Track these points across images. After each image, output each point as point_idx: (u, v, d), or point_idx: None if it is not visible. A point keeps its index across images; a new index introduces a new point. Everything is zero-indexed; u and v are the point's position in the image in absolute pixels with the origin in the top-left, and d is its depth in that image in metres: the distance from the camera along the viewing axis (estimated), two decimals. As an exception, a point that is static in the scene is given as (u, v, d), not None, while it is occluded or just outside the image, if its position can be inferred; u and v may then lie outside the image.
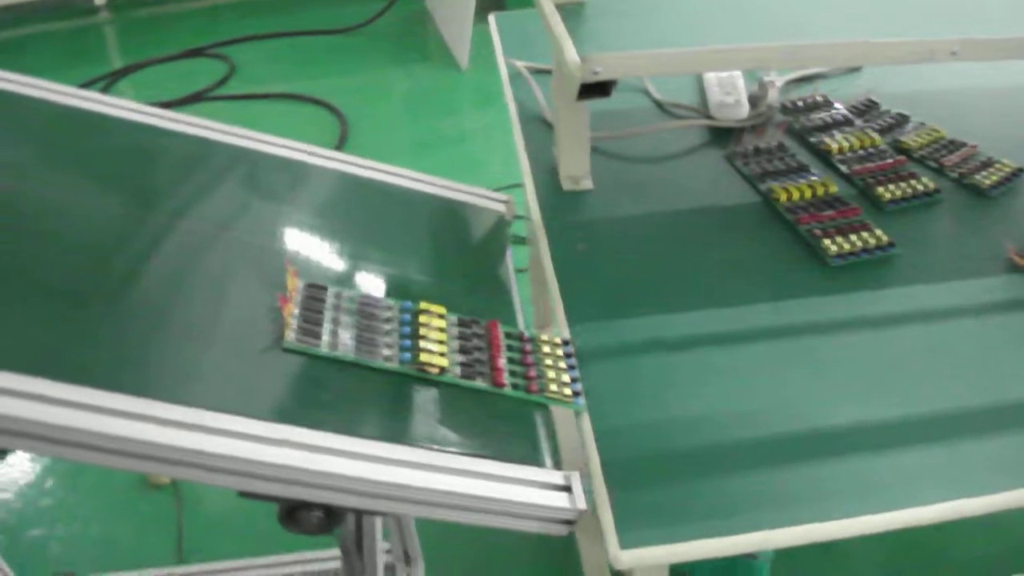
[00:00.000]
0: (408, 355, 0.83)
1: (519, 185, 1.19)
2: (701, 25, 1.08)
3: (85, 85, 2.90)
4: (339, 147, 2.49)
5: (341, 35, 3.16)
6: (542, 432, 0.82)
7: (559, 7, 1.10)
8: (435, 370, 0.83)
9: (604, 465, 0.79)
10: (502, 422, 0.82)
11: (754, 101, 1.24)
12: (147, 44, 3.21)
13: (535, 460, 0.79)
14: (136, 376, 0.74)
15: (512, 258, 1.06)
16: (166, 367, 0.76)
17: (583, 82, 0.99)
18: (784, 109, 1.25)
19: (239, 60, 3.02)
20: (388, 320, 0.86)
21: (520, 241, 1.64)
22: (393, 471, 0.73)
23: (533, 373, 0.86)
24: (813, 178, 1.10)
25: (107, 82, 2.97)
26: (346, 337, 0.83)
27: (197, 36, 3.17)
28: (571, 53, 0.99)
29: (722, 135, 1.22)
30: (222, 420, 0.71)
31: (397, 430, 0.77)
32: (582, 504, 0.76)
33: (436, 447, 0.76)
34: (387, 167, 1.13)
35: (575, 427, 0.86)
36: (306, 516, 0.75)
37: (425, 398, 0.82)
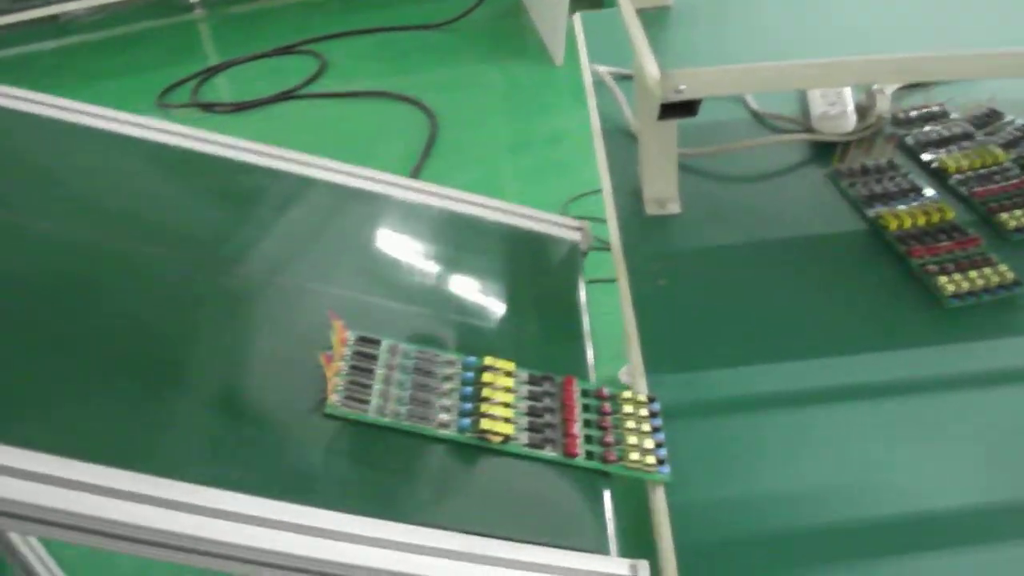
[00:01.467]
0: (468, 421, 0.75)
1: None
2: (805, 31, 0.96)
3: (181, 82, 2.90)
4: (428, 146, 2.42)
5: (433, 31, 3.10)
6: (610, 509, 0.73)
7: (640, 12, 1.00)
8: (498, 439, 0.74)
9: (678, 549, 0.69)
10: (566, 497, 0.74)
11: (861, 112, 1.13)
12: (240, 41, 3.20)
13: (599, 545, 0.70)
14: (162, 454, 0.67)
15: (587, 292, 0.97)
16: (192, 442, 0.69)
17: (664, 101, 0.89)
18: (895, 121, 1.13)
19: (330, 57, 2.98)
20: (448, 378, 0.78)
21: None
22: (429, 563, 0.65)
23: (611, 439, 0.77)
24: (927, 202, 0.99)
25: (201, 79, 2.97)
26: (399, 399, 0.75)
27: (289, 33, 3.15)
28: (651, 67, 0.89)
29: (824, 151, 1.11)
30: (228, 500, 0.64)
31: (443, 510, 0.69)
32: (652, 602, 0.67)
33: (484, 531, 0.68)
34: (443, 189, 1.04)
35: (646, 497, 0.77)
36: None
37: (481, 471, 0.73)
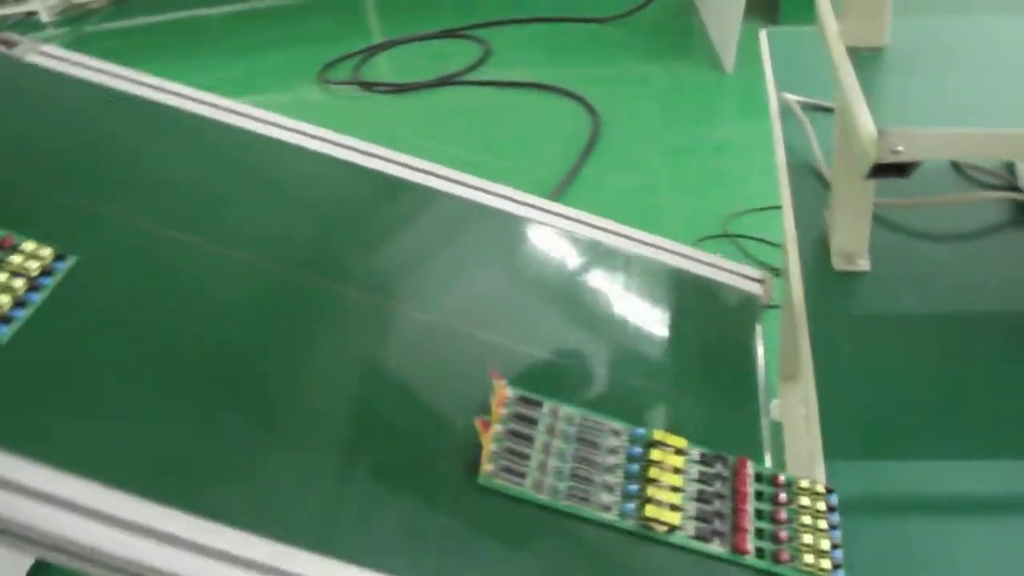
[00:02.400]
0: (632, 505, 0.68)
1: (778, 207, 1.01)
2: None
3: (343, 58, 2.89)
4: (590, 145, 2.36)
5: (600, 24, 3.02)
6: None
7: (852, 51, 0.90)
8: (663, 529, 0.67)
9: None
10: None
11: (1080, 170, 1.02)
12: (405, 21, 3.19)
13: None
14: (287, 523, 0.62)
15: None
16: (324, 506, 0.64)
17: (878, 162, 0.80)
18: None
19: (494, 43, 2.93)
20: (613, 451, 0.72)
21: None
22: None
23: (785, 535, 0.69)
24: None
25: (364, 56, 2.95)
26: (558, 473, 0.69)
27: (454, 16, 3.12)
28: (866, 123, 0.79)
29: (1036, 212, 1.01)
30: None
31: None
32: None
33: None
34: (615, 226, 0.97)
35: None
36: None
37: (641, 562, 0.67)
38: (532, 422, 0.71)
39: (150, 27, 3.45)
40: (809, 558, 0.68)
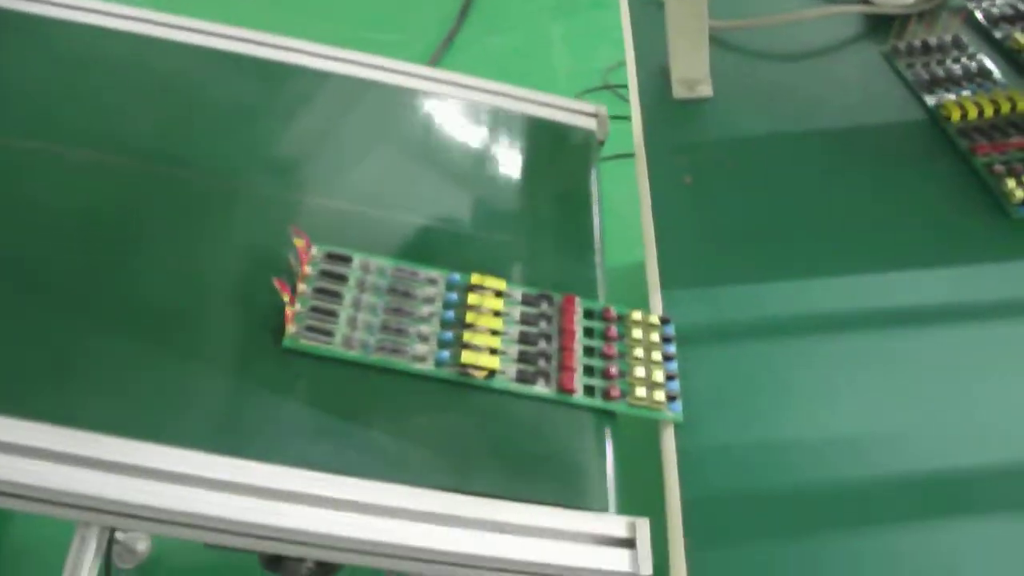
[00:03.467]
0: (447, 353, 0.65)
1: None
2: None
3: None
4: (465, 8, 2.27)
5: None
6: (611, 456, 0.64)
7: None
8: (481, 374, 0.64)
9: (686, 506, 0.60)
10: (556, 442, 0.64)
11: (924, -22, 0.98)
12: None
13: (594, 500, 0.61)
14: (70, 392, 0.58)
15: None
16: (113, 382, 0.60)
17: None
18: (964, -11, 0.99)
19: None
20: (428, 300, 0.68)
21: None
22: (395, 526, 0.56)
23: (615, 371, 0.66)
24: (997, 89, 0.85)
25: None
26: (368, 327, 0.65)
27: None
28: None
29: (881, 25, 0.97)
30: (175, 459, 0.55)
31: (414, 463, 0.60)
32: (647, 569, 0.57)
33: (458, 487, 0.59)
34: (440, 73, 0.90)
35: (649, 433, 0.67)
36: (295, 566, 0.60)
37: (461, 412, 0.64)
38: (341, 279, 0.67)
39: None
40: (642, 391, 0.66)
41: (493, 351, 0.65)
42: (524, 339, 0.67)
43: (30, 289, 0.63)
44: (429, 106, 0.86)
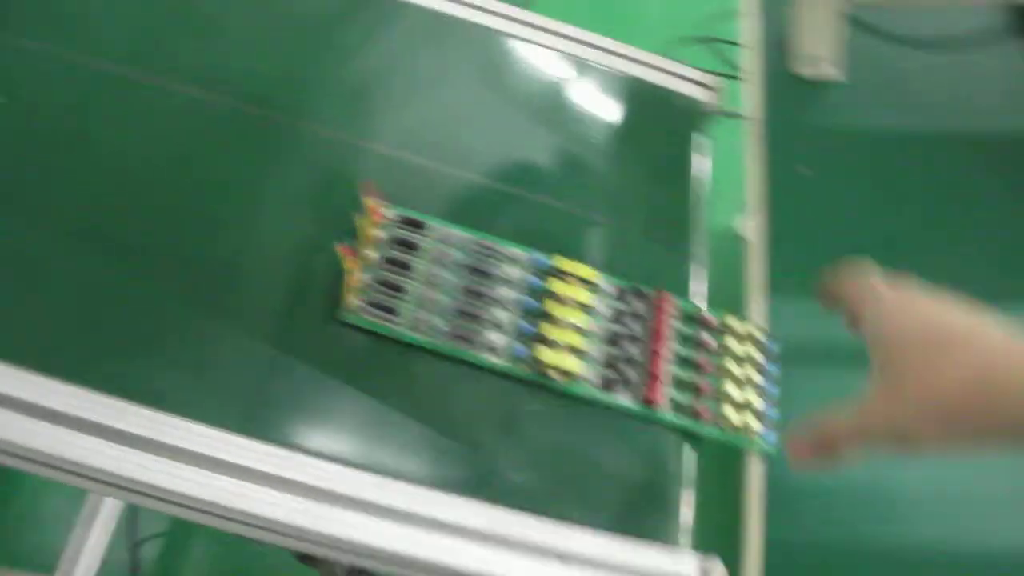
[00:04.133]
0: (524, 348, 0.57)
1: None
2: None
3: None
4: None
5: None
6: (688, 483, 0.56)
7: None
8: (561, 377, 0.57)
9: (768, 547, 0.52)
10: (631, 460, 0.56)
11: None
12: None
13: (662, 532, 0.53)
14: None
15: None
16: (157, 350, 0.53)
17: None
18: None
19: None
20: (507, 282, 0.60)
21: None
22: (440, 543, 0.49)
23: (707, 386, 0.59)
24: None
25: None
26: (441, 309, 0.57)
27: None
28: None
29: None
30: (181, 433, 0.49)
31: (472, 470, 0.53)
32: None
33: (518, 504, 0.51)
34: (528, 15, 0.80)
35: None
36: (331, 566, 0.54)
37: (532, 416, 0.56)
38: (413, 248, 0.60)
39: None
40: (733, 415, 0.58)
41: (575, 351, 0.57)
42: (612, 339, 0.59)
43: (78, 235, 0.56)
44: (522, 54, 0.77)
